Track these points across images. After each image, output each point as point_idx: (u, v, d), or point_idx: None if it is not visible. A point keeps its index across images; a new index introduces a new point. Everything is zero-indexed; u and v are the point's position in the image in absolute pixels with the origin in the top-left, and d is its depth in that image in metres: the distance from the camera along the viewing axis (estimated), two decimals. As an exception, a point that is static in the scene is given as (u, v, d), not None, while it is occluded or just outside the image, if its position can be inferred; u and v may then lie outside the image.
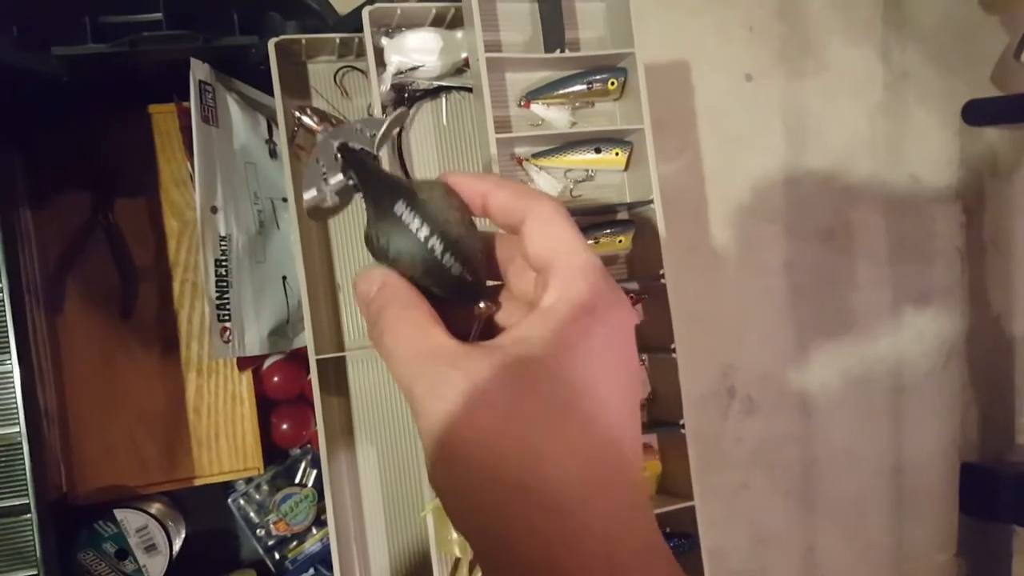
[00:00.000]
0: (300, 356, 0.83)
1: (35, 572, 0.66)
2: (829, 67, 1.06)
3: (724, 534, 0.92)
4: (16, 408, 0.66)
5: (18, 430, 0.66)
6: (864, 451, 1.07)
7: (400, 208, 0.27)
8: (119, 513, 0.76)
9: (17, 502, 0.67)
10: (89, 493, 0.77)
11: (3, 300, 0.65)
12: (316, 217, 0.34)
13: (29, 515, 0.66)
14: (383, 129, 0.34)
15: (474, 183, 0.29)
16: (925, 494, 1.10)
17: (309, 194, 0.33)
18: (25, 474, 0.66)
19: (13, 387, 0.66)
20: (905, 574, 1.09)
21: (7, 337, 0.66)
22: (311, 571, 0.85)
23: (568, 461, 0.23)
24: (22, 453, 0.66)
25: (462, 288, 0.27)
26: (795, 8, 1.04)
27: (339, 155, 0.32)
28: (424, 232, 0.26)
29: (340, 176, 0.32)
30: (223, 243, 0.71)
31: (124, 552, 0.75)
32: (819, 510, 1.04)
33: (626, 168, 0.68)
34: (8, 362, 0.66)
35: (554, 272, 0.26)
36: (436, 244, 0.26)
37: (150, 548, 0.76)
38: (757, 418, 1.02)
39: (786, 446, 1.03)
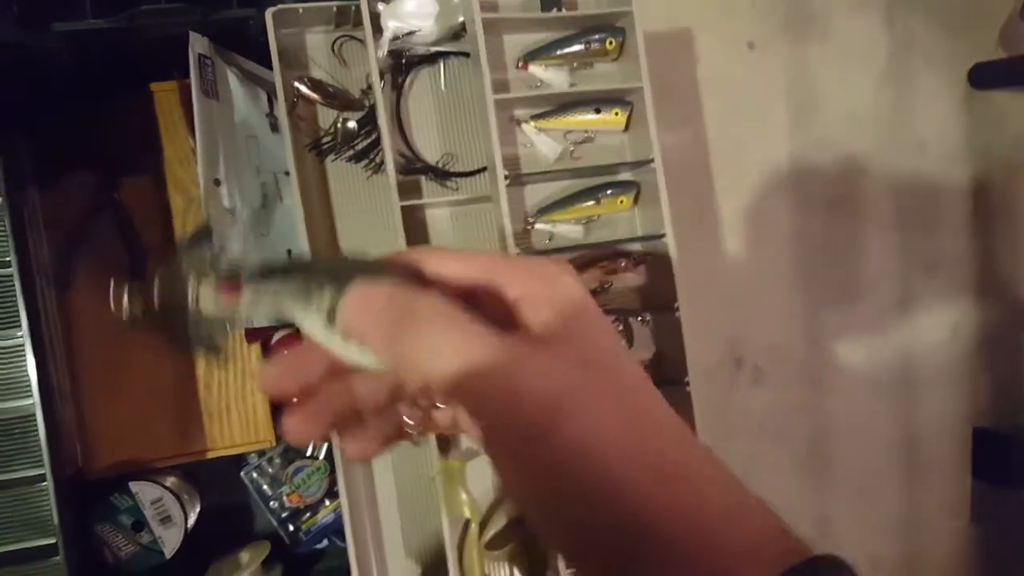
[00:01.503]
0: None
1: (53, 540, 0.67)
2: (833, 34, 1.05)
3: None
4: (29, 380, 0.67)
5: (32, 402, 0.67)
6: (874, 419, 1.06)
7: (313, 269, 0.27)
8: (134, 486, 0.77)
9: (33, 472, 0.68)
10: (104, 468, 0.78)
11: (12, 275, 0.66)
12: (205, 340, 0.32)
13: (45, 483, 0.67)
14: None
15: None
16: (937, 461, 1.10)
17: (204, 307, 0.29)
18: (40, 445, 0.67)
19: (25, 360, 0.67)
20: (918, 541, 1.08)
21: (17, 311, 0.67)
22: (325, 542, 0.86)
23: (665, 437, 0.25)
24: (36, 424, 0.67)
25: None
26: (798, -27, 1.03)
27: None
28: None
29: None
30: (228, 216, 0.71)
31: (140, 524, 0.76)
32: (830, 480, 1.04)
33: (626, 129, 0.68)
34: (20, 335, 0.67)
35: (534, 296, 0.26)
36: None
37: (165, 520, 0.77)
38: (765, 388, 1.02)
39: (795, 416, 1.03)
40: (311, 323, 0.27)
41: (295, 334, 0.84)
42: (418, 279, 0.27)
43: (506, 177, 0.60)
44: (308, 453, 0.85)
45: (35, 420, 0.68)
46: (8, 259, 0.66)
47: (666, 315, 0.66)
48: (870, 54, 1.08)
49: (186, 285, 0.29)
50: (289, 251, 0.78)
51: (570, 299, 0.26)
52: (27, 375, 0.68)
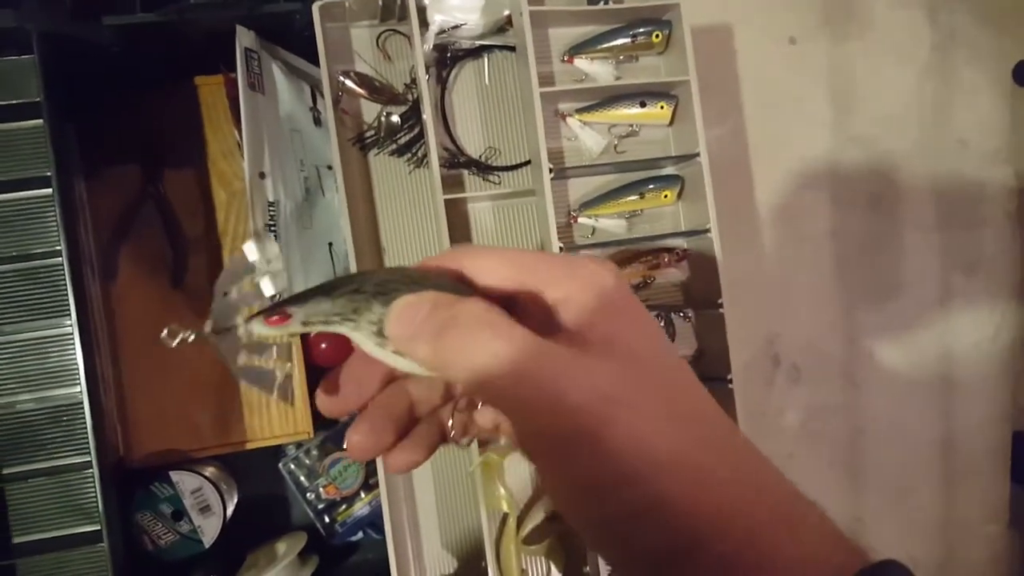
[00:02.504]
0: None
1: (98, 527, 0.68)
2: (874, 29, 1.04)
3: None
4: (76, 368, 0.68)
5: (79, 389, 0.68)
6: (912, 420, 1.04)
7: (368, 281, 0.27)
8: (175, 475, 0.77)
9: (79, 459, 0.70)
10: (144, 457, 0.79)
11: (63, 264, 0.67)
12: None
13: (91, 471, 0.68)
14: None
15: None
16: (975, 464, 1.08)
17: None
18: (86, 432, 0.68)
19: (73, 348, 0.68)
20: (955, 544, 1.07)
21: (67, 300, 0.68)
22: (360, 534, 0.86)
23: (709, 448, 0.24)
24: (83, 412, 0.68)
25: None
26: (840, -31, 1.02)
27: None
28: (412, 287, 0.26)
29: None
30: (271, 209, 0.72)
31: (180, 513, 0.77)
32: (866, 480, 1.03)
33: (671, 123, 0.67)
34: (68, 324, 0.68)
35: (578, 294, 0.26)
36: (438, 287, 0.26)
37: (205, 509, 0.78)
38: (803, 387, 1.01)
39: (832, 415, 1.02)
40: (362, 339, 0.28)
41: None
42: (461, 283, 0.27)
43: (551, 171, 0.60)
44: (345, 445, 0.86)
45: (82, 408, 0.69)
46: (59, 249, 0.67)
47: (709, 311, 0.65)
48: (912, 49, 1.06)
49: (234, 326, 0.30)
50: (330, 244, 0.79)
51: (611, 300, 0.26)
52: (75, 363, 0.69)
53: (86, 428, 0.68)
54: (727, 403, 0.64)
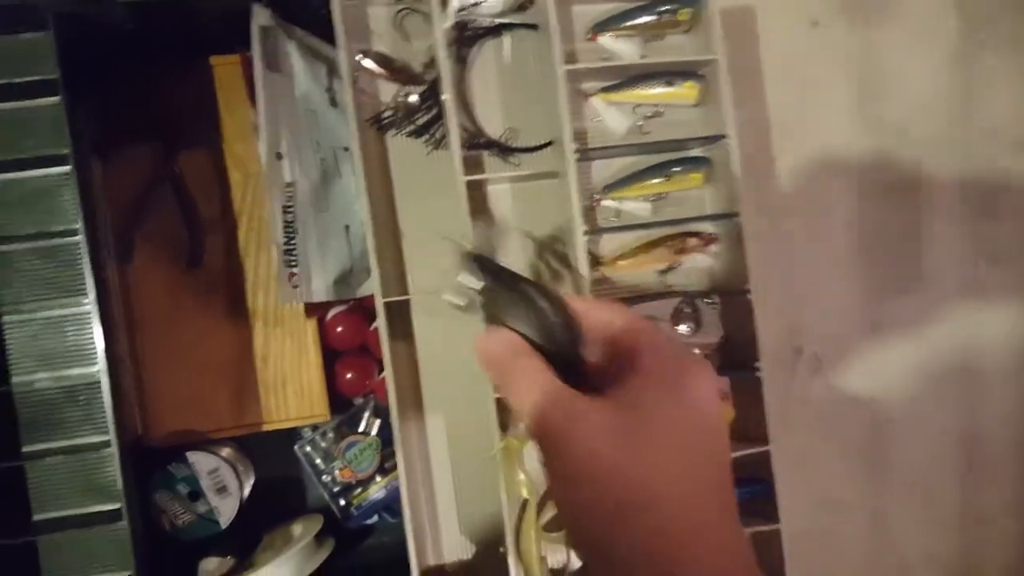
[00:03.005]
0: (362, 307, 0.84)
1: (117, 506, 0.68)
2: (899, 13, 1.01)
3: (788, 495, 0.90)
4: (95, 348, 0.68)
5: (97, 368, 0.68)
6: (934, 412, 1.03)
7: (529, 287, 0.35)
8: (191, 456, 0.77)
9: (98, 439, 0.70)
10: (162, 437, 0.78)
11: (80, 243, 0.67)
12: (457, 307, 0.42)
13: (110, 450, 0.68)
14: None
15: (575, 301, 0.36)
16: (998, 458, 1.06)
17: (451, 296, 0.41)
18: (105, 412, 0.68)
19: (91, 327, 0.68)
20: (976, 539, 1.05)
21: (84, 279, 0.67)
22: (375, 517, 0.86)
23: (679, 491, 0.30)
24: (101, 391, 0.68)
25: (567, 354, 0.34)
26: (866, -51, 1.00)
27: (475, 263, 0.40)
28: (546, 305, 0.34)
29: (475, 279, 0.39)
30: (288, 189, 0.71)
31: (196, 493, 0.77)
32: (886, 472, 1.01)
33: (697, 103, 0.66)
34: (86, 302, 0.68)
35: (645, 349, 0.33)
36: (554, 316, 0.34)
37: (221, 490, 0.78)
38: (824, 378, 0.99)
39: (853, 407, 1.00)
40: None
41: (347, 312, 0.84)
42: (575, 320, 0.35)
43: (575, 152, 0.59)
44: (360, 429, 0.86)
45: (100, 387, 0.68)
46: (76, 227, 0.67)
47: (736, 297, 0.64)
48: (939, 34, 1.04)
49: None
50: (347, 227, 0.78)
51: (659, 363, 0.33)
52: (93, 342, 0.68)
53: (104, 407, 0.68)
54: (754, 393, 0.63)
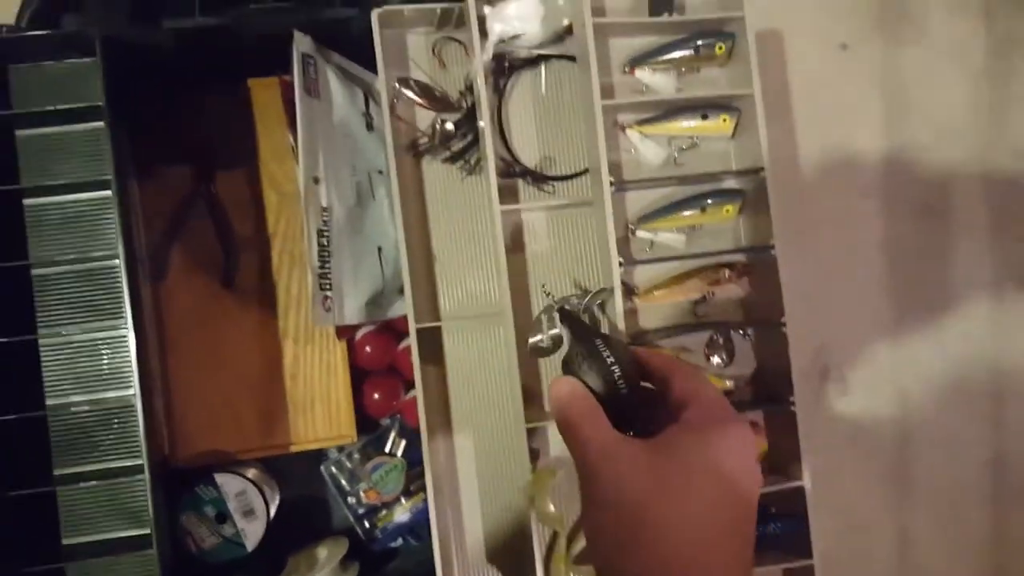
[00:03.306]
0: (391, 328, 0.84)
1: (148, 532, 0.68)
2: (929, 35, 1.01)
3: (814, 516, 0.89)
4: (131, 372, 0.69)
5: (132, 392, 0.69)
6: (963, 436, 1.02)
7: (599, 343, 0.41)
8: (219, 477, 0.78)
9: (130, 463, 0.70)
10: (189, 457, 0.79)
11: (119, 267, 0.67)
12: (533, 355, 0.52)
13: (142, 476, 0.68)
14: (586, 300, 0.57)
15: (643, 354, 0.43)
16: (1027, 483, 1.05)
17: (533, 338, 0.52)
18: (138, 436, 0.68)
19: (128, 351, 0.68)
20: (1004, 565, 1.04)
21: (122, 303, 0.68)
22: (399, 540, 0.86)
23: (693, 530, 0.34)
24: (135, 415, 0.68)
25: (623, 403, 0.40)
26: (895, -26, 1.00)
27: (558, 314, 0.49)
28: (611, 360, 0.40)
29: (556, 328, 0.49)
30: (325, 214, 0.72)
31: (223, 516, 0.77)
32: (914, 495, 1.01)
33: (733, 135, 0.66)
34: (123, 326, 0.69)
35: (692, 402, 0.38)
36: (616, 370, 0.40)
37: (248, 513, 0.78)
38: (851, 399, 0.99)
39: (881, 428, 1.00)
40: None
41: (375, 332, 0.84)
42: (640, 366, 0.42)
43: (611, 183, 0.59)
44: (387, 450, 0.86)
45: (134, 411, 0.69)
46: (116, 251, 0.68)
47: (770, 329, 0.64)
48: (967, 56, 1.04)
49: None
50: (380, 249, 0.78)
51: (699, 417, 0.38)
52: (129, 366, 0.69)
53: (138, 431, 0.68)
54: (788, 426, 0.63)
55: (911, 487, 1.01)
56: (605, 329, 0.62)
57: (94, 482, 0.68)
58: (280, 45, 0.72)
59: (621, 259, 0.58)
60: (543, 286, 0.67)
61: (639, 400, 0.40)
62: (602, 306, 0.64)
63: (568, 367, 0.42)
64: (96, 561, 0.68)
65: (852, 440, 1.00)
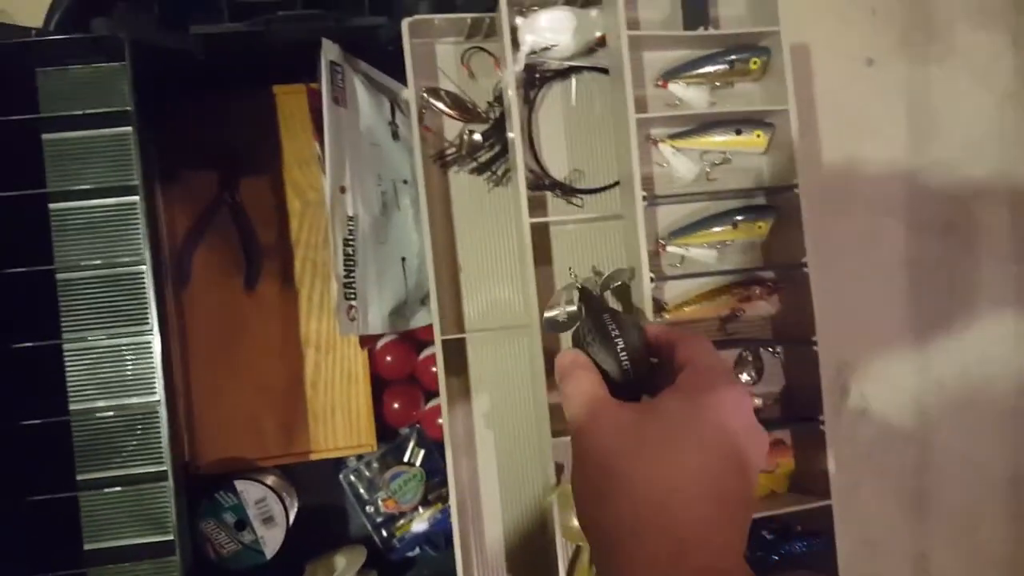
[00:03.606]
0: (411, 337, 0.84)
1: (170, 538, 0.68)
2: (955, 52, 1.01)
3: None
4: (154, 377, 0.68)
5: (156, 399, 0.68)
6: (982, 456, 1.01)
7: (608, 320, 0.43)
8: (239, 484, 0.77)
9: (153, 469, 0.70)
10: (209, 464, 0.79)
11: (145, 273, 0.67)
12: (549, 329, 0.52)
13: (165, 482, 0.68)
14: (603, 279, 0.60)
15: (652, 328, 0.45)
16: (1045, 503, 1.05)
17: (550, 312, 0.52)
18: (162, 442, 0.68)
19: (152, 358, 0.68)
20: (1021, 585, 1.04)
21: (147, 309, 0.68)
22: (416, 550, 0.85)
23: (668, 488, 0.34)
24: (158, 421, 0.68)
25: (625, 377, 0.42)
26: (921, -11, 0.99)
27: (577, 292, 0.51)
28: (616, 334, 0.42)
29: (574, 306, 0.50)
30: (351, 223, 0.71)
31: (243, 523, 0.77)
32: (932, 514, 1.00)
33: (766, 151, 0.66)
34: (148, 332, 0.68)
35: (688, 367, 0.39)
36: (620, 343, 0.42)
37: (268, 520, 0.78)
38: (871, 417, 0.98)
39: (900, 447, 0.99)
40: None
41: (396, 341, 0.84)
42: (649, 342, 0.44)
43: (644, 198, 0.58)
44: (405, 459, 0.85)
45: (157, 417, 0.69)
46: (142, 257, 0.68)
47: (799, 347, 0.63)
48: (992, 74, 1.03)
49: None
50: (403, 259, 0.78)
51: (700, 409, 0.37)
52: (153, 372, 0.69)
53: (161, 438, 0.68)
54: (815, 443, 0.62)
55: (928, 504, 1.00)
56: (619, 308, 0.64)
57: (117, 488, 0.68)
58: (306, 52, 0.72)
59: (652, 274, 0.58)
60: (570, 268, 0.68)
61: (644, 375, 0.41)
62: (621, 287, 0.65)
63: (577, 342, 0.44)
64: (117, 567, 0.67)
65: (870, 457, 0.99)
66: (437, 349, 0.68)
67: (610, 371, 0.41)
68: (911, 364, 1.00)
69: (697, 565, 0.32)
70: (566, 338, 0.66)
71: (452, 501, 0.69)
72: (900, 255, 0.99)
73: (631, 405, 0.39)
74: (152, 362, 0.69)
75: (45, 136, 0.69)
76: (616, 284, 0.63)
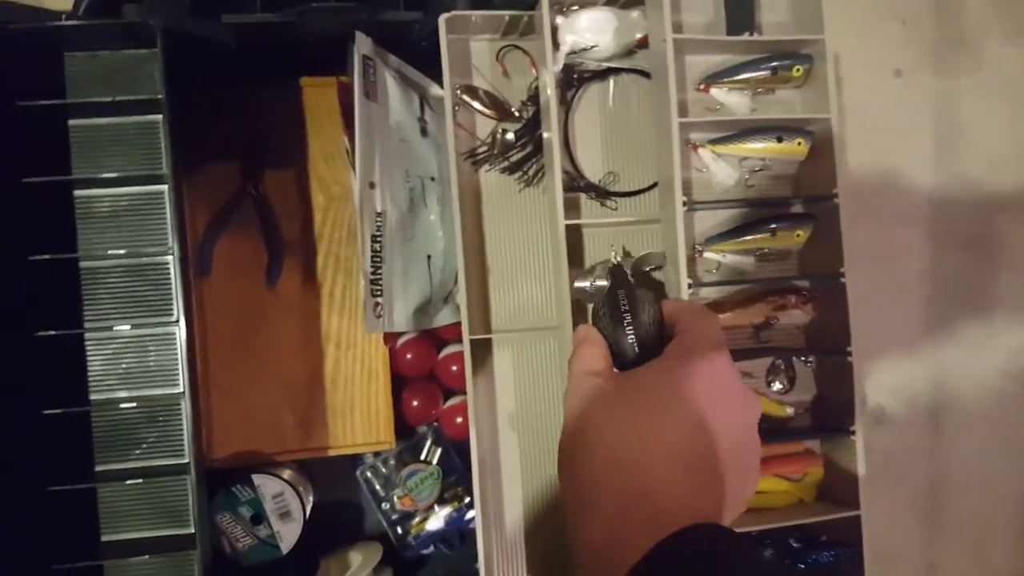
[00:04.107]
0: (432, 335, 0.83)
1: (190, 531, 0.67)
2: (983, 66, 1.00)
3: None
4: (177, 368, 0.68)
5: (180, 390, 0.67)
6: (996, 470, 1.01)
7: (622, 298, 0.44)
8: (257, 478, 0.77)
9: (173, 461, 0.69)
10: (227, 458, 0.78)
11: (171, 264, 0.66)
12: (574, 295, 0.56)
13: (185, 476, 0.67)
14: (636, 260, 0.63)
15: (668, 305, 0.46)
16: (1056, 518, 1.05)
17: (581, 283, 0.58)
18: (183, 434, 0.67)
19: (176, 349, 0.67)
20: (1030, 600, 1.04)
21: (172, 300, 0.67)
22: (431, 548, 0.85)
23: (640, 448, 0.36)
24: (180, 413, 0.68)
25: (632, 351, 0.43)
26: (952, 3, 0.99)
27: (609, 269, 0.54)
28: (627, 314, 0.43)
29: (604, 282, 0.56)
30: (379, 219, 0.70)
31: (259, 517, 0.77)
32: (944, 527, 1.00)
33: (805, 159, 0.65)
34: (173, 324, 0.67)
35: (679, 336, 0.41)
36: (628, 321, 0.43)
37: (284, 515, 0.77)
38: (887, 429, 0.98)
39: (915, 459, 0.99)
40: None
41: (417, 339, 0.83)
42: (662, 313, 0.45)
43: (684, 203, 0.58)
44: (422, 457, 0.85)
45: (179, 409, 0.68)
46: (168, 247, 0.67)
47: (832, 357, 0.63)
48: (1021, 88, 1.03)
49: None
50: (428, 257, 0.77)
51: (674, 379, 0.39)
52: (176, 363, 0.68)
53: (182, 430, 0.68)
54: (846, 454, 0.62)
55: (941, 518, 1.00)
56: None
57: (138, 480, 0.67)
58: (336, 45, 0.71)
59: (690, 281, 0.57)
60: (612, 245, 0.67)
61: (654, 350, 0.42)
62: (654, 271, 0.66)
63: (594, 316, 0.46)
64: (135, 560, 0.67)
65: (885, 468, 0.99)
66: (465, 349, 0.68)
67: (620, 346, 0.43)
68: (929, 376, 1.00)
69: (644, 513, 0.35)
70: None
71: (476, 499, 0.68)
72: (921, 266, 0.99)
73: (616, 375, 0.41)
74: (175, 353, 0.68)
75: (72, 122, 0.68)
76: (650, 267, 0.64)
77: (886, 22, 0.98)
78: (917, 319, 0.99)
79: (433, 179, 0.78)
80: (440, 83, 0.79)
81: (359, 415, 0.81)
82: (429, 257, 0.77)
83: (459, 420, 0.83)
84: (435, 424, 0.85)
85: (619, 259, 0.55)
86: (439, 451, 0.85)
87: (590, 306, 0.58)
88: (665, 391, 0.38)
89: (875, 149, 0.97)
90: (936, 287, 0.99)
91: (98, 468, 0.68)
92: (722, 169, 0.63)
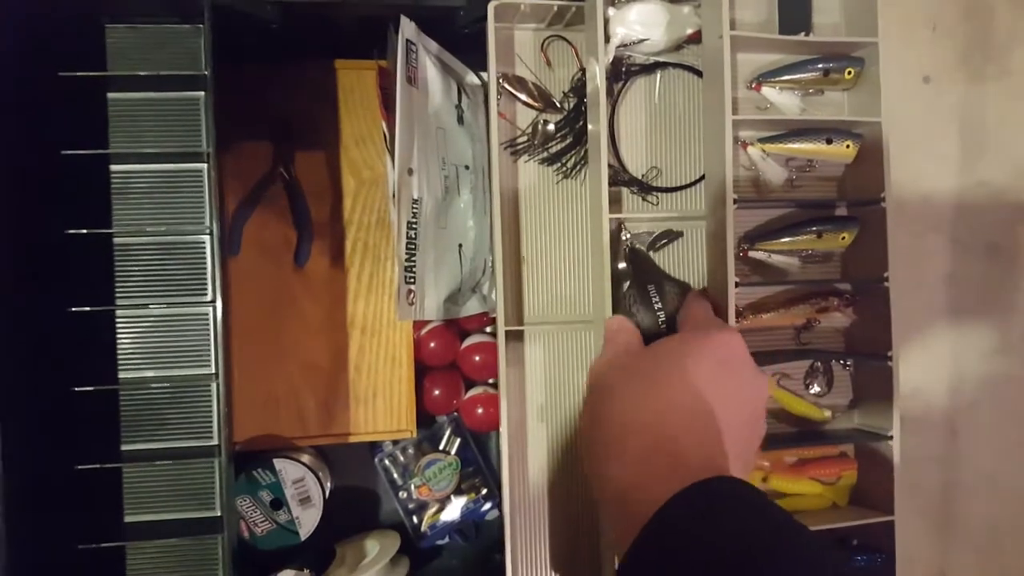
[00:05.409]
0: (455, 325, 0.83)
1: (216, 514, 0.67)
2: (1012, 74, 1.01)
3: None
4: (209, 350, 0.67)
5: (211, 371, 0.67)
6: (1010, 478, 1.02)
7: (652, 290, 0.51)
8: (278, 463, 0.76)
9: (200, 443, 0.68)
10: (247, 440, 0.77)
11: (207, 244, 0.66)
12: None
13: (213, 459, 0.66)
14: (652, 239, 0.66)
15: (691, 294, 0.58)
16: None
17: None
18: (212, 416, 0.67)
19: (209, 329, 0.67)
20: (1039, 606, 1.05)
21: (206, 280, 0.66)
22: (446, 538, 0.85)
23: (651, 409, 0.42)
24: (211, 395, 0.67)
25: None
26: (983, 10, 0.99)
27: (627, 249, 0.60)
28: (659, 306, 0.50)
29: (622, 263, 0.59)
30: (415, 206, 0.70)
31: (279, 502, 0.76)
32: (957, 534, 1.01)
33: (853, 162, 0.65)
34: (207, 304, 0.67)
35: (689, 321, 0.52)
36: (662, 316, 0.50)
37: (304, 500, 0.77)
38: (902, 433, 0.98)
39: (928, 465, 0.99)
40: None
41: (441, 328, 0.82)
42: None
43: (735, 201, 0.58)
44: (441, 447, 0.85)
45: (209, 390, 0.67)
46: (204, 226, 0.66)
47: (872, 362, 0.63)
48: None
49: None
50: (460, 246, 0.77)
51: (681, 358, 0.45)
52: (207, 344, 0.67)
53: (211, 411, 0.67)
54: (881, 458, 0.62)
55: (953, 525, 1.01)
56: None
57: (167, 461, 0.66)
58: (376, 28, 0.70)
59: (738, 279, 0.57)
60: (621, 223, 0.69)
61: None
62: (664, 244, 0.67)
63: (621, 304, 0.51)
64: (159, 542, 0.66)
65: (899, 473, 0.99)
66: (500, 339, 0.67)
67: (649, 331, 0.49)
68: (946, 382, 1.00)
69: (666, 463, 0.40)
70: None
71: (504, 491, 0.68)
72: (942, 272, 0.99)
73: (635, 350, 0.48)
74: (207, 334, 0.67)
75: (111, 95, 0.67)
76: (663, 244, 0.66)
77: (916, 28, 0.98)
78: (937, 324, 0.99)
79: (467, 167, 0.77)
80: (476, 71, 0.78)
81: (381, 401, 0.80)
82: (460, 246, 0.77)
83: (480, 410, 0.82)
84: (455, 414, 0.85)
85: (632, 242, 0.60)
86: (458, 441, 0.85)
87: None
88: (685, 357, 0.44)
89: (902, 154, 0.97)
90: (955, 292, 1.00)
91: (124, 448, 0.67)
92: (771, 168, 0.63)
